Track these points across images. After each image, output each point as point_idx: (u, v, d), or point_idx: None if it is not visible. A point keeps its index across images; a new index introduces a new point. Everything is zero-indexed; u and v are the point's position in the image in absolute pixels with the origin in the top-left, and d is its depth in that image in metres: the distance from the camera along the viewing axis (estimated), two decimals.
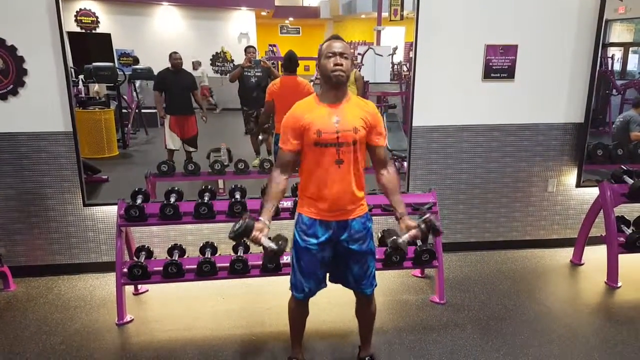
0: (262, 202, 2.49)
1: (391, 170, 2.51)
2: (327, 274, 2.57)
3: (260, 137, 4.51)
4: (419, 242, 3.55)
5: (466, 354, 2.96)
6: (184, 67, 4.38)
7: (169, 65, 4.26)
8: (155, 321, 3.37)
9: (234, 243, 3.59)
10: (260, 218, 2.35)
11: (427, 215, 2.37)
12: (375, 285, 2.59)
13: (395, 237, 2.36)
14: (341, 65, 2.23)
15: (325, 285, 2.58)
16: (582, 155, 4.26)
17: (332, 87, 2.30)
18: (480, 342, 3.08)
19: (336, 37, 2.33)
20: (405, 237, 2.34)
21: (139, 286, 3.74)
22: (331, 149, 2.29)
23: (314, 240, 2.41)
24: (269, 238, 2.32)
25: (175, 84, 4.28)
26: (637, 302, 3.59)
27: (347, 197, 2.37)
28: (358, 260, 2.48)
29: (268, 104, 4.26)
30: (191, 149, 4.34)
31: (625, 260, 3.80)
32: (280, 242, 2.30)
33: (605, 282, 3.84)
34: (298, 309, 2.63)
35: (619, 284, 3.78)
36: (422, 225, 2.34)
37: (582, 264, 4.18)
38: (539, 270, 4.09)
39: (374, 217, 2.64)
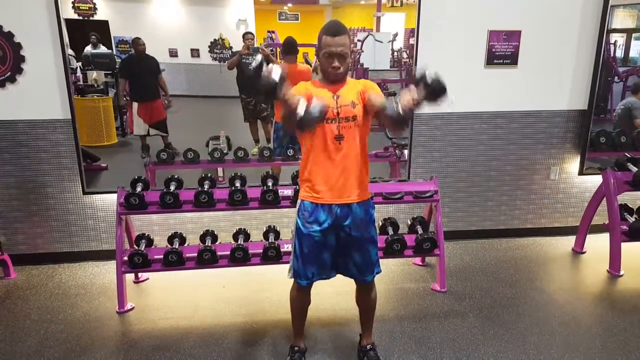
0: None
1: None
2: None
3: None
4: (420, 231, 3.54)
5: (467, 342, 2.95)
6: (181, 54, 4.37)
7: (164, 52, 4.25)
8: (155, 309, 3.36)
9: (234, 232, 3.57)
10: None
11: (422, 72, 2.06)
12: (379, 272, 2.58)
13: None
14: (339, 68, 2.28)
15: (334, 275, 2.57)
16: (585, 142, 4.23)
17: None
18: (482, 330, 3.07)
19: (335, 30, 2.26)
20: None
21: (140, 274, 3.73)
22: (331, 126, 2.31)
23: (316, 227, 2.40)
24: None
25: (141, 69, 4.29)
26: (639, 290, 3.58)
27: (348, 176, 2.36)
28: (359, 248, 2.47)
29: None
30: (161, 134, 4.34)
31: (628, 248, 3.79)
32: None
33: (607, 271, 3.83)
34: (300, 297, 2.62)
35: (622, 273, 3.77)
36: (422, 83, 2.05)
37: (584, 252, 4.17)
38: (540, 259, 4.08)
39: (375, 205, 2.61)
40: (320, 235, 2.41)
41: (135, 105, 4.34)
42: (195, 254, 3.35)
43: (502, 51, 3.97)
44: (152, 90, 4.35)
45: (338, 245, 2.47)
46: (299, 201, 2.48)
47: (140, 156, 4.18)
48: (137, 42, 4.15)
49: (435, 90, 2.03)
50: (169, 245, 3.52)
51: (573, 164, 4.36)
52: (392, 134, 2.31)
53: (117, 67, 4.31)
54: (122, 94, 4.36)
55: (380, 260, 2.62)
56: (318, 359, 2.82)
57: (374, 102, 2.28)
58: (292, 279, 2.56)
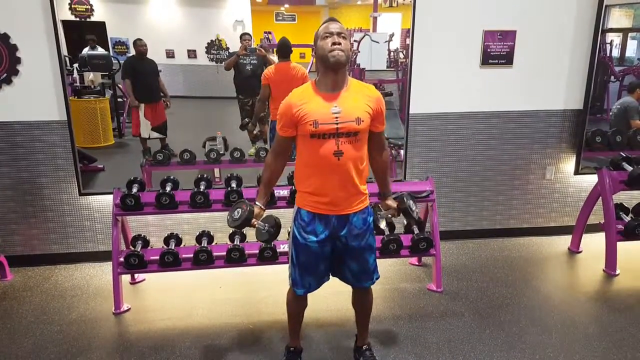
0: (259, 186, 2.53)
1: (385, 155, 2.50)
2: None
3: (255, 132, 4.45)
4: (416, 231, 3.55)
5: (463, 342, 2.96)
6: (178, 55, 4.36)
7: (161, 53, 4.24)
8: (152, 310, 3.37)
9: (230, 232, 3.58)
10: (256, 203, 2.45)
11: (402, 197, 2.59)
12: (377, 278, 2.54)
13: (377, 217, 2.66)
14: (339, 44, 2.11)
15: (328, 279, 2.55)
16: (581, 142, 4.23)
17: (331, 69, 2.16)
18: (478, 330, 3.08)
19: (332, 20, 2.24)
20: (382, 219, 2.71)
21: (136, 275, 3.73)
22: (330, 141, 2.18)
23: (313, 238, 2.34)
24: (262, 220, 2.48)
25: (144, 71, 4.26)
26: (635, 289, 3.59)
27: (347, 192, 2.29)
28: (356, 257, 2.43)
29: (264, 89, 4.23)
30: (161, 136, 4.34)
31: (624, 247, 3.79)
32: (273, 226, 2.46)
33: (603, 270, 3.83)
34: (296, 302, 2.60)
35: (617, 272, 3.77)
36: (396, 205, 2.58)
37: (580, 252, 4.17)
38: (536, 258, 4.09)
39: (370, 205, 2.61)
40: (317, 245, 2.36)
41: (141, 107, 4.32)
42: (192, 255, 3.35)
43: (498, 51, 3.98)
44: (156, 92, 4.34)
45: (334, 253, 2.43)
46: (295, 207, 2.42)
47: (145, 159, 4.10)
48: (138, 43, 4.12)
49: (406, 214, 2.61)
50: (165, 246, 3.52)
51: (569, 164, 4.36)
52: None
53: (114, 68, 4.31)
54: (132, 95, 4.31)
55: (377, 261, 2.61)
56: (314, 359, 2.82)
57: (376, 143, 2.42)
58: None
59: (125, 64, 4.25)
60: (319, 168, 2.25)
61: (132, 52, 4.25)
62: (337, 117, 2.16)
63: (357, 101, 2.22)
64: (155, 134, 4.32)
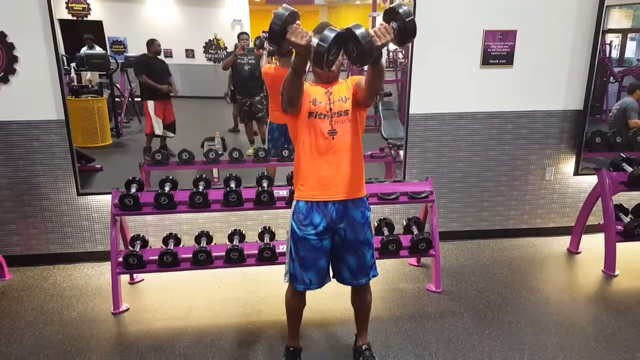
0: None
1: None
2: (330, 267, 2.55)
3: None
4: (415, 232, 3.54)
5: (463, 342, 2.95)
6: (176, 54, 4.36)
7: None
8: (151, 310, 3.35)
9: (229, 232, 3.58)
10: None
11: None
12: (375, 275, 2.56)
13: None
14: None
15: (330, 280, 2.56)
16: (581, 142, 4.23)
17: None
18: (477, 330, 3.07)
19: (321, 30, 2.21)
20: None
21: (135, 275, 3.72)
22: (324, 121, 2.33)
23: (311, 230, 2.38)
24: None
25: (158, 69, 4.27)
26: (634, 290, 3.59)
27: (342, 173, 2.35)
28: (354, 251, 2.46)
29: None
30: (170, 135, 4.34)
31: (623, 248, 3.79)
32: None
33: (602, 271, 3.83)
34: (295, 300, 2.61)
35: (617, 273, 3.77)
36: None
37: (579, 253, 4.17)
38: (535, 259, 4.09)
39: (370, 207, 2.60)
40: (316, 238, 2.39)
41: (151, 104, 4.32)
42: (191, 255, 3.35)
43: (498, 51, 3.97)
44: (167, 90, 4.36)
45: (333, 248, 2.46)
46: (293, 202, 2.46)
47: (144, 159, 4.09)
48: (154, 43, 4.17)
49: (407, 32, 1.99)
50: (164, 246, 3.51)
51: (568, 164, 4.36)
52: (372, 80, 2.10)
53: (111, 67, 4.29)
54: (157, 86, 4.29)
55: (376, 261, 2.61)
56: (313, 359, 2.81)
57: (362, 82, 2.29)
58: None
59: (138, 62, 4.25)
60: (316, 149, 2.34)
61: (130, 51, 4.24)
62: (329, 97, 2.36)
63: (342, 87, 2.41)
64: (168, 133, 4.33)
